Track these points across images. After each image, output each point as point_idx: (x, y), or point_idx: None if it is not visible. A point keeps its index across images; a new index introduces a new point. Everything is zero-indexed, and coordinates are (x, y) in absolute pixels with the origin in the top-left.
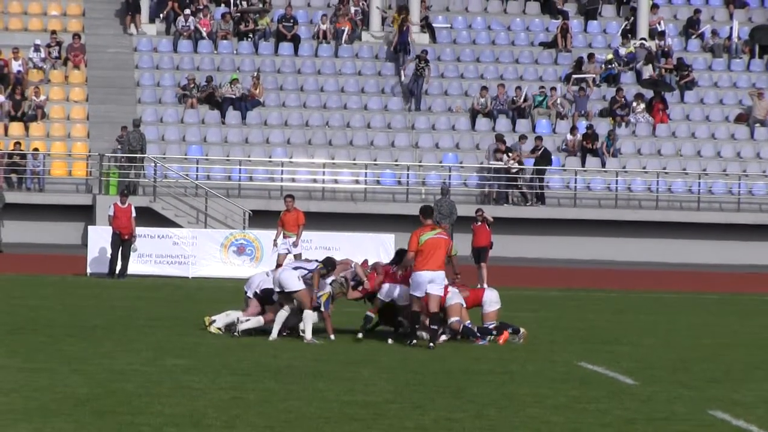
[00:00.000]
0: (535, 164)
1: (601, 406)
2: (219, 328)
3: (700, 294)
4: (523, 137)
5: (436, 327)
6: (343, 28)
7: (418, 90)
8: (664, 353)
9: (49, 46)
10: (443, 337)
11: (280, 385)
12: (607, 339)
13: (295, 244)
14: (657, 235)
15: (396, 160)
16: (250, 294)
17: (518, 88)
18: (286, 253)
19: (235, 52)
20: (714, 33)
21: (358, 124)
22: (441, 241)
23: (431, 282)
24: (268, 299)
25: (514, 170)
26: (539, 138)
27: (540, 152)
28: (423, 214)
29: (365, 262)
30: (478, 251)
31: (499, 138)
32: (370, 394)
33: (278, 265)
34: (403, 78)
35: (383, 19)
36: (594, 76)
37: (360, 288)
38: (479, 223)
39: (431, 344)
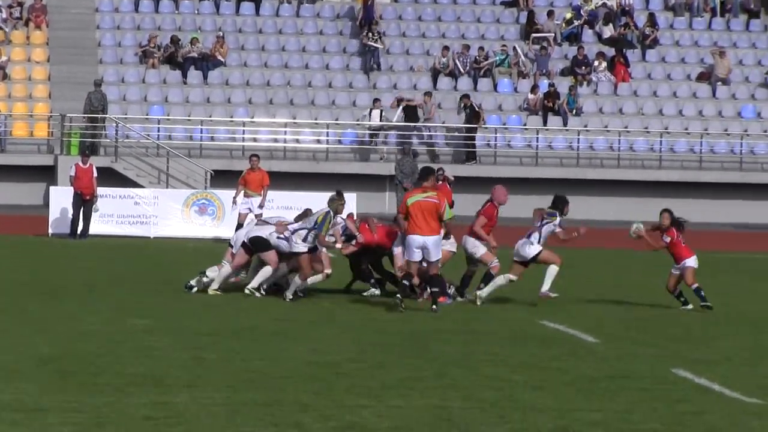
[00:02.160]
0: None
1: (563, 364)
2: (216, 290)
3: (661, 252)
4: (428, 93)
5: (436, 289)
6: None
7: (375, 59)
8: (625, 312)
9: (10, 6)
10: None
11: (242, 345)
12: (568, 298)
13: (261, 205)
14: (619, 194)
15: (358, 120)
16: (236, 248)
17: (480, 48)
18: (247, 213)
19: (196, 12)
20: None
21: (319, 84)
22: (429, 204)
23: (424, 248)
24: (259, 247)
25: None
26: (466, 96)
27: (467, 111)
28: (419, 176)
29: (350, 215)
30: None
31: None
32: (333, 353)
33: (239, 225)
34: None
35: None
36: (553, 34)
37: (354, 242)
38: (440, 182)
39: (434, 306)
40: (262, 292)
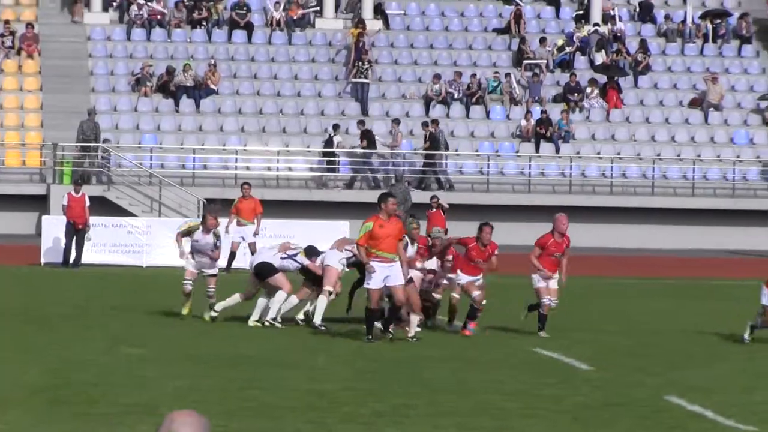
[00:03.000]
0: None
1: (557, 392)
2: (257, 321)
3: (657, 279)
4: (396, 120)
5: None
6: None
7: (363, 94)
8: (620, 339)
9: (2, 35)
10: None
11: (238, 373)
12: (564, 325)
13: (255, 233)
14: (612, 221)
15: (351, 147)
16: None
17: (473, 75)
18: (240, 242)
19: (188, 40)
20: (667, 17)
21: (312, 112)
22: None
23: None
24: (266, 273)
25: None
26: (425, 124)
27: (428, 138)
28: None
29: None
30: None
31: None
32: (328, 382)
33: (232, 253)
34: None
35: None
36: (545, 61)
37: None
38: (434, 210)
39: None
40: (278, 321)
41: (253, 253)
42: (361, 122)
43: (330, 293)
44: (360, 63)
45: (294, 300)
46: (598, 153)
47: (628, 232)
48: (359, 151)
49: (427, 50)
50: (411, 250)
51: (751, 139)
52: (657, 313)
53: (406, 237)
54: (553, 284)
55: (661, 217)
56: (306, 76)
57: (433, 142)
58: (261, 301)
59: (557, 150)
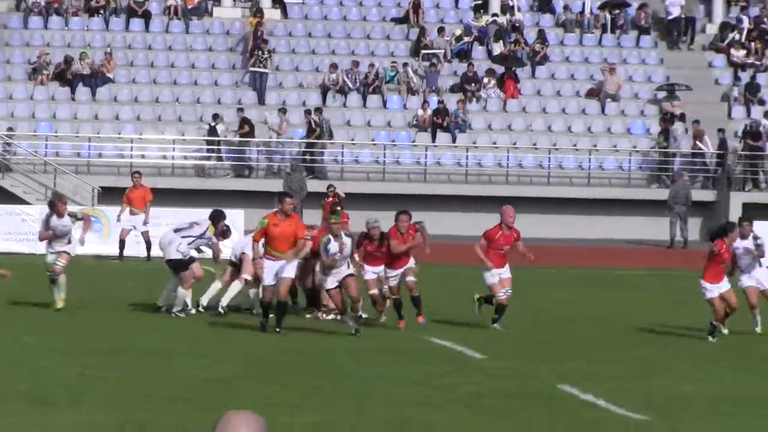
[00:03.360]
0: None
1: (451, 380)
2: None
3: (550, 269)
4: (282, 109)
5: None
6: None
7: (261, 84)
8: (513, 328)
9: None
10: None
11: (132, 363)
12: (459, 315)
13: (145, 222)
14: None
15: (233, 131)
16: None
17: (371, 64)
18: (130, 229)
19: (86, 28)
20: (566, 8)
21: (208, 101)
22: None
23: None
24: (180, 267)
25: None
26: (308, 111)
27: (312, 126)
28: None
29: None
30: None
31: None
32: (223, 370)
33: (121, 241)
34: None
35: None
36: (443, 51)
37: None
38: (330, 199)
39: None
40: (200, 309)
41: (147, 242)
42: (240, 110)
43: (247, 281)
44: (258, 52)
45: (217, 286)
46: (495, 143)
47: (523, 221)
48: (236, 139)
49: (325, 39)
50: (348, 246)
51: (647, 129)
52: (555, 302)
53: (334, 236)
54: (506, 274)
55: (557, 206)
56: (203, 65)
57: (317, 130)
58: (168, 288)
59: (454, 140)
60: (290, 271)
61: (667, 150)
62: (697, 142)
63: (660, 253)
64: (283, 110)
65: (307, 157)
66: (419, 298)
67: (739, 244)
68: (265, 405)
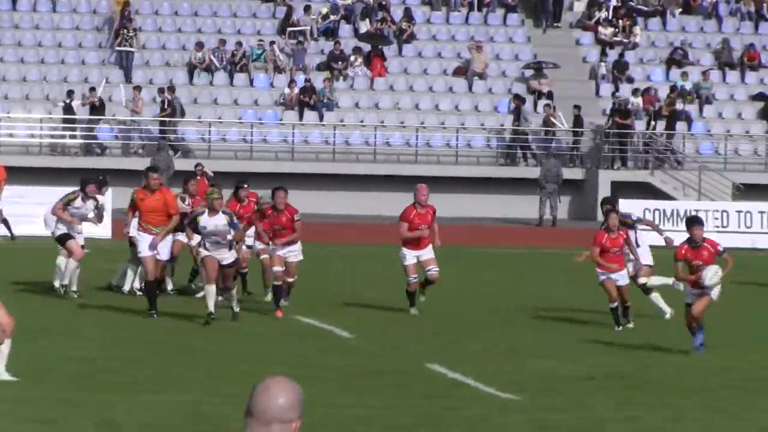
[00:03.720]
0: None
1: (321, 360)
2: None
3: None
4: (137, 87)
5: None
6: None
7: (128, 62)
8: (382, 308)
9: None
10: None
11: None
12: (327, 293)
13: None
14: (375, 189)
15: (114, 114)
16: None
17: (238, 43)
18: None
19: None
20: None
21: (75, 79)
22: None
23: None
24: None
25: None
26: (169, 89)
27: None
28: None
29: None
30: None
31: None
32: (90, 349)
33: None
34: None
35: None
36: (310, 29)
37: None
38: (199, 177)
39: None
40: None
41: (3, 221)
42: (92, 89)
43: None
44: (124, 31)
45: (72, 264)
46: (362, 121)
47: (391, 200)
48: (86, 117)
49: (191, 18)
50: (222, 225)
51: (509, 106)
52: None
53: (210, 210)
54: (427, 254)
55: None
56: (70, 43)
57: (171, 109)
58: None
59: (321, 118)
60: (164, 252)
61: (518, 128)
62: (552, 119)
63: (530, 232)
64: (138, 88)
65: (169, 135)
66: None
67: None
68: (132, 384)
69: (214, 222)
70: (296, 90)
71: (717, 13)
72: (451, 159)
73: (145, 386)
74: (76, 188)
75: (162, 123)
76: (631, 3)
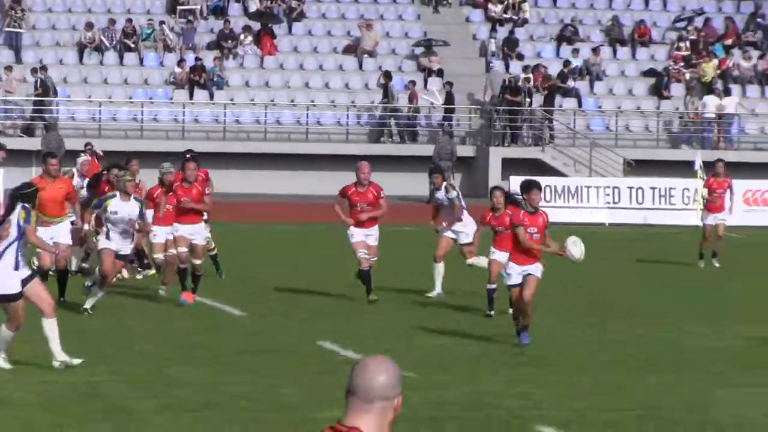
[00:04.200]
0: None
1: (210, 338)
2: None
3: (310, 225)
4: (8, 67)
5: None
6: None
7: (17, 42)
8: (275, 286)
9: None
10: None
11: None
12: (216, 271)
13: None
14: (266, 167)
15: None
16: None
17: (128, 20)
18: None
19: None
20: None
21: None
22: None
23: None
24: None
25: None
26: (42, 69)
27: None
28: None
29: None
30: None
31: None
32: None
33: None
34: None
35: None
36: (199, 7)
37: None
38: (90, 157)
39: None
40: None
41: None
42: None
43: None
44: (13, 12)
45: None
46: (252, 100)
47: (282, 178)
48: None
49: None
50: (135, 212)
51: (405, 85)
52: (320, 258)
53: (122, 193)
54: (372, 241)
55: (315, 163)
56: None
57: (44, 88)
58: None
59: (211, 97)
60: (65, 236)
61: (386, 105)
62: (424, 96)
63: (421, 209)
64: (9, 68)
65: (45, 115)
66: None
67: (440, 194)
68: (25, 363)
69: (126, 209)
70: (186, 69)
71: None
72: (341, 137)
73: (38, 365)
74: None
75: (36, 103)
76: None
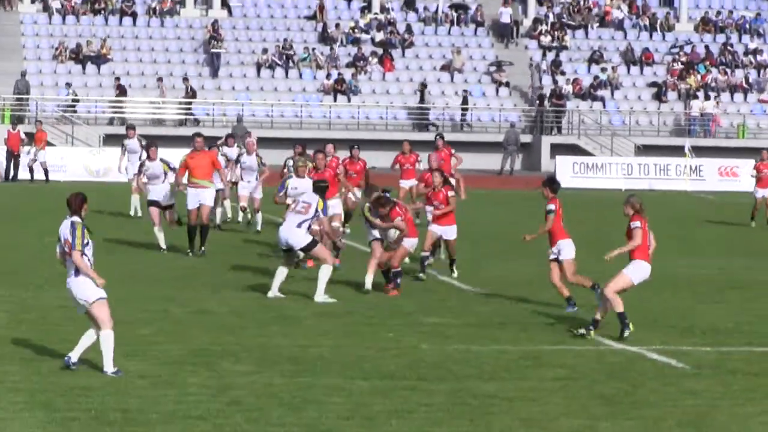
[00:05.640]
0: None
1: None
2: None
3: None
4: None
5: None
6: None
7: (217, 61)
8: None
9: None
10: None
11: None
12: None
13: None
14: (387, 150)
15: None
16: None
17: (291, 46)
18: None
19: None
20: None
21: None
22: None
23: None
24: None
25: None
26: None
27: None
28: None
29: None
30: None
31: None
32: None
33: None
34: None
35: None
36: (341, 38)
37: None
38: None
39: None
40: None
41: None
42: None
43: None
44: (215, 41)
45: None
46: (377, 102)
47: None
48: None
49: None
50: None
51: (483, 92)
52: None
53: None
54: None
55: (416, 147)
56: None
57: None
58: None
59: (349, 100)
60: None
61: (464, 108)
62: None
63: (494, 179)
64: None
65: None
66: None
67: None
68: None
69: (304, 184)
70: (332, 81)
71: (623, 26)
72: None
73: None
74: None
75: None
76: (563, 19)
